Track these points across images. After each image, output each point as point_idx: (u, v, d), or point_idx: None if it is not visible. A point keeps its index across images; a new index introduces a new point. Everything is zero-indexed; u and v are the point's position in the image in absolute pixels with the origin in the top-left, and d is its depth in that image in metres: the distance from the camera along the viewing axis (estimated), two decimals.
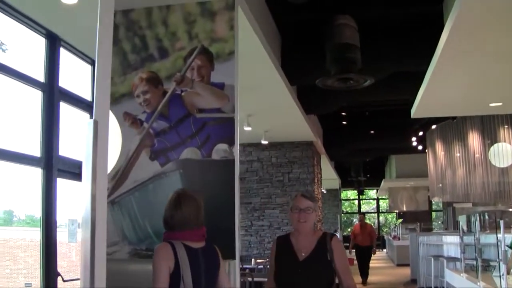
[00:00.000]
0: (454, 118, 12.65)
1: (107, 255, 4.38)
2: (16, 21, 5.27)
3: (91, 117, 2.11)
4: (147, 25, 4.60)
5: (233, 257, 4.09)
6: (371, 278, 15.95)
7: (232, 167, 4.26)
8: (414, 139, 15.52)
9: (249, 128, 10.09)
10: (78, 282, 3.74)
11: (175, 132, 4.39)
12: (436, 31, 6.36)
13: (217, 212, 4.13)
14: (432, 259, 11.50)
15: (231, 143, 4.30)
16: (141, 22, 4.61)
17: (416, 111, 9.15)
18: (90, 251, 1.98)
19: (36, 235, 5.13)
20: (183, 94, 4.42)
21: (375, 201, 36.14)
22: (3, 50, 5.42)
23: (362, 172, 24.87)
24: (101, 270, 2.04)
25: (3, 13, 5.09)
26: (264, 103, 9.30)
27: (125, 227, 4.35)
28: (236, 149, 4.31)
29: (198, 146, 4.34)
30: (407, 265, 15.36)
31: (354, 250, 15.03)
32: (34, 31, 5.49)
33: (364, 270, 14.70)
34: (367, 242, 14.56)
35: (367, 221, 36.67)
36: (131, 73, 4.55)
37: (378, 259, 24.28)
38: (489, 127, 12.32)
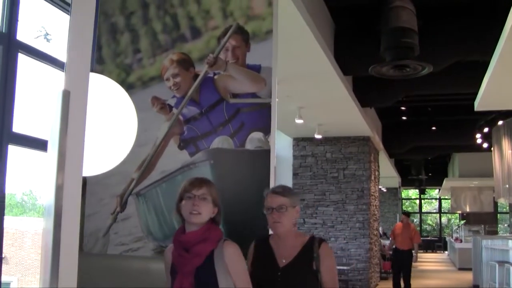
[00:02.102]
0: None
1: (132, 251, 4.11)
2: (58, 8, 5.06)
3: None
4: (179, 2, 4.24)
5: None
6: (429, 281, 15.24)
7: (268, 158, 3.87)
8: (479, 136, 14.67)
9: (301, 121, 9.66)
10: None
11: (206, 119, 4.02)
12: (504, 15, 5.75)
13: (250, 207, 3.74)
14: (497, 265, 10.77)
15: (267, 131, 3.91)
16: (173, 0, 4.26)
17: (479, 104, 8.50)
18: (53, 244, 1.60)
19: None
20: (215, 77, 4.04)
21: (437, 201, 34.98)
22: (48, 40, 5.22)
23: (424, 171, 23.95)
24: (69, 271, 1.65)
25: (48, 2, 4.92)
26: (316, 94, 8.89)
27: (150, 222, 4.02)
28: (273, 138, 3.91)
29: (230, 135, 3.96)
30: (470, 269, 14.55)
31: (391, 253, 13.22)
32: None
33: (403, 280, 11.82)
34: (407, 246, 11.78)
35: (429, 221, 35.90)
36: (161, 54, 4.21)
37: (438, 261, 23.45)
38: None
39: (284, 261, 3.03)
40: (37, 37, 5.14)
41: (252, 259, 3.15)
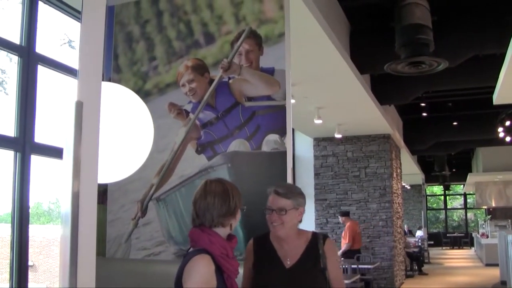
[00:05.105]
0: None
1: (153, 255, 4.18)
2: (76, 20, 5.19)
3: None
4: (192, 9, 4.31)
5: None
6: (457, 278, 15.10)
7: (284, 160, 3.89)
8: (501, 129, 14.50)
9: (319, 121, 9.67)
10: None
11: (223, 123, 4.07)
12: None
13: None
14: None
15: (282, 133, 3.93)
16: (186, 7, 4.33)
17: (498, 97, 8.41)
18: (70, 250, 1.65)
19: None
20: (230, 81, 4.08)
21: (462, 196, 34.62)
22: (72, 47, 5.36)
23: (447, 167, 23.73)
24: (87, 275, 1.70)
25: (67, 15, 5.06)
26: (334, 94, 8.89)
27: (171, 226, 4.08)
28: (289, 140, 3.94)
29: (247, 138, 4.00)
30: (497, 265, 14.37)
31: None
32: None
33: None
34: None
35: (455, 218, 35.25)
36: (176, 61, 4.28)
37: (465, 258, 23.21)
38: None
39: (289, 262, 2.91)
40: (62, 44, 5.27)
41: (254, 260, 2.98)
